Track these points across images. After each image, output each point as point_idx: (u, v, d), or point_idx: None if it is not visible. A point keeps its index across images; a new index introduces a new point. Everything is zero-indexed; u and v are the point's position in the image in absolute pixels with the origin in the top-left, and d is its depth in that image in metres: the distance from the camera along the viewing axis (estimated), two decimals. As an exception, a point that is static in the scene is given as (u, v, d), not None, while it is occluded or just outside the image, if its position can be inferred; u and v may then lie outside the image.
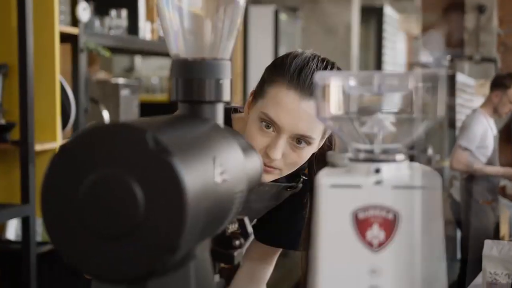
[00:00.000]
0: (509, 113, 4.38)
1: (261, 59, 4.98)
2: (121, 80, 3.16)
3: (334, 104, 0.73)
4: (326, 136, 1.30)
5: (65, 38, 2.65)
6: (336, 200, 0.70)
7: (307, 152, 1.23)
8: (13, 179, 2.44)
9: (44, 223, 0.65)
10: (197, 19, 0.83)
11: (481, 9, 9.41)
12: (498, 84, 4.26)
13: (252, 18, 4.86)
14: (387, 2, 7.37)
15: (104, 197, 0.63)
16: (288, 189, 1.37)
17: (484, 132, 4.18)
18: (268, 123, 1.21)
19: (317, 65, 1.23)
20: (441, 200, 0.71)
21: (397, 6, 8.88)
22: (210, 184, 0.68)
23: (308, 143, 1.22)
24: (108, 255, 0.62)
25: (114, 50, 3.18)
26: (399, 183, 0.69)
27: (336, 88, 0.73)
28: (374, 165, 0.70)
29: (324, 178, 0.70)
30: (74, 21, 2.68)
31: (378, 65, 7.51)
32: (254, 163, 0.88)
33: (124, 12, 3.05)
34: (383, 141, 0.73)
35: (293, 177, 1.35)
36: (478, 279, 2.03)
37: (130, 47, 3.17)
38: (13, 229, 2.58)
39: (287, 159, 1.23)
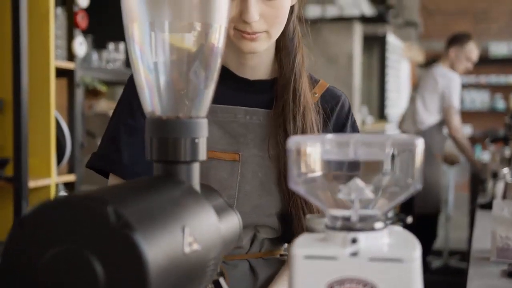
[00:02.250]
0: (464, 71, 4.52)
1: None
2: (119, 113, 3.13)
3: (309, 170, 0.70)
4: None
5: (62, 72, 2.64)
6: (310, 272, 0.67)
7: (283, 1, 1.15)
8: (6, 216, 2.41)
9: (0, 300, 0.62)
10: (172, 76, 0.81)
11: None
12: (455, 40, 4.47)
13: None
14: (390, 30, 7.38)
15: (64, 272, 0.60)
16: None
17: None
18: None
19: None
20: (420, 271, 0.68)
21: (400, 33, 8.91)
22: (178, 256, 0.65)
23: None
24: (64, 338, 0.59)
25: (112, 83, 3.17)
26: (376, 254, 0.66)
27: (310, 153, 0.70)
28: (350, 234, 0.67)
29: (299, 249, 0.67)
30: (71, 56, 2.67)
31: (381, 93, 7.50)
32: (231, 223, 0.85)
33: (121, 45, 3.04)
34: (361, 206, 0.70)
35: None
36: (485, 245, 1.86)
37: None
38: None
39: (267, 17, 1.14)
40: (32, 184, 2.41)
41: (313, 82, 1.28)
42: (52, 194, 2.53)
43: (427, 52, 9.99)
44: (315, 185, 0.70)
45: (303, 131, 1.18)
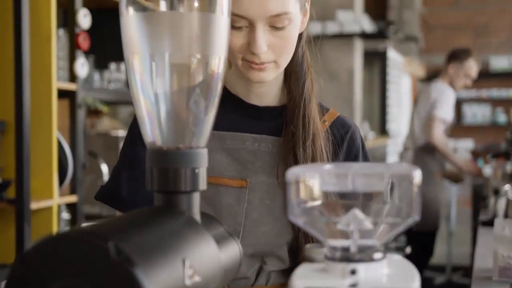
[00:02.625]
0: (463, 87, 4.51)
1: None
2: (121, 133, 3.15)
3: (307, 201, 0.71)
4: (307, 2, 1.21)
5: (63, 93, 2.65)
6: (310, 303, 0.67)
7: (291, 31, 1.13)
8: (9, 238, 2.41)
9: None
10: (172, 106, 0.82)
11: None
12: (454, 57, 4.44)
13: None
14: (390, 45, 7.40)
15: (66, 307, 0.60)
16: None
17: (453, 104, 4.38)
18: (238, 20, 1.11)
19: None
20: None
21: (401, 48, 8.94)
22: (178, 288, 0.66)
23: (288, 21, 1.12)
24: None
25: (114, 103, 3.19)
26: (376, 285, 0.66)
27: (309, 184, 0.70)
28: (350, 266, 0.68)
29: (298, 280, 0.68)
30: (73, 77, 2.68)
31: (383, 108, 7.51)
32: (231, 252, 0.85)
33: (123, 65, 3.06)
34: (360, 236, 0.71)
35: None
36: (487, 263, 1.83)
37: (129, 100, 3.17)
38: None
39: (275, 47, 1.13)
40: (34, 205, 2.41)
41: (323, 110, 1.27)
42: (54, 215, 2.53)
43: (427, 67, 10.02)
44: (314, 216, 0.71)
45: (313, 158, 1.17)
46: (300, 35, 1.22)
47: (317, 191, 0.71)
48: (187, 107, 0.82)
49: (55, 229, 2.52)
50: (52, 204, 2.52)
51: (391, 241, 0.77)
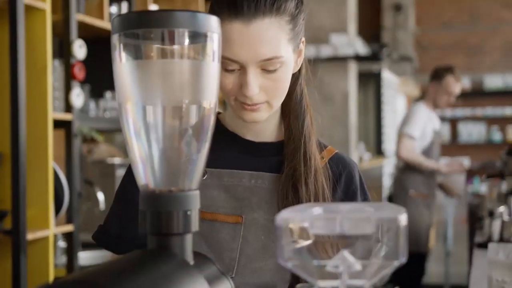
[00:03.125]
0: (446, 105, 4.45)
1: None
2: (117, 160, 3.17)
3: (297, 244, 0.73)
4: (302, 43, 1.20)
5: (59, 123, 2.67)
6: None
7: (284, 72, 1.14)
8: (5, 269, 2.42)
9: None
10: (165, 150, 0.84)
11: (398, 8, 9.57)
12: (434, 76, 4.42)
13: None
14: (385, 66, 7.46)
15: None
16: None
17: (425, 123, 4.29)
18: (229, 64, 1.11)
19: None
20: None
21: (395, 68, 9.00)
22: (171, 333, 0.67)
23: (280, 64, 1.12)
24: None
25: (110, 131, 3.21)
26: (364, 327, 0.68)
27: (298, 228, 0.72)
28: (339, 307, 0.69)
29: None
30: (68, 107, 2.71)
31: (378, 129, 7.54)
32: (224, 292, 0.87)
33: (119, 94, 3.09)
34: (349, 277, 0.72)
35: None
36: (483, 286, 1.85)
37: (125, 128, 3.18)
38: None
39: (267, 89, 1.13)
40: (30, 236, 2.42)
41: (322, 147, 1.27)
42: (51, 245, 2.54)
43: (422, 86, 10.08)
44: (303, 258, 0.73)
45: (316, 195, 1.17)
46: (298, 74, 1.23)
47: (306, 234, 0.72)
48: (179, 151, 0.84)
49: (51, 260, 2.53)
50: (48, 234, 2.53)
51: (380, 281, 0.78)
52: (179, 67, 0.81)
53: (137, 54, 0.82)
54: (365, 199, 1.27)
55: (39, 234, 2.47)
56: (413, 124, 4.27)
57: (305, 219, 0.72)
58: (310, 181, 1.19)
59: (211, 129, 0.86)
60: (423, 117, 4.31)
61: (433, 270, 6.66)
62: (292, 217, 0.72)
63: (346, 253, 0.72)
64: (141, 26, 0.80)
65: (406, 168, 4.32)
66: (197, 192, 0.84)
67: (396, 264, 0.71)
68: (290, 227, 0.72)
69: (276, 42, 1.10)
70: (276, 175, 1.22)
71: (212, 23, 0.82)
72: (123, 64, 0.82)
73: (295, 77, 1.22)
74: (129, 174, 1.26)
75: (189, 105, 0.83)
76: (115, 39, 0.81)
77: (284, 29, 1.12)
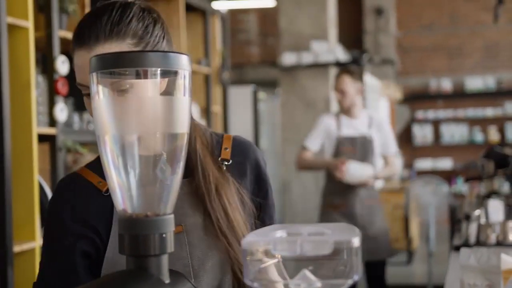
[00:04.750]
0: (343, 103, 4.09)
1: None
2: (101, 171, 3.22)
3: (261, 265, 0.80)
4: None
5: (44, 138, 2.72)
6: None
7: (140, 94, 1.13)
8: (-8, 282, 2.47)
9: None
10: (141, 178, 0.91)
11: (379, 12, 9.69)
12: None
13: (232, 98, 4.99)
14: (367, 69, 7.55)
15: None
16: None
17: (325, 132, 4.09)
18: (83, 89, 1.20)
19: (102, 9, 1.20)
20: None
21: (377, 71, 9.11)
22: None
23: (129, 85, 1.10)
24: None
25: (94, 143, 3.27)
26: None
27: (262, 251, 0.79)
28: (300, 322, 0.77)
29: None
30: (52, 121, 2.76)
31: (361, 132, 7.62)
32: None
33: (102, 106, 3.15)
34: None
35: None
36: None
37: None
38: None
39: None
40: (16, 248, 2.47)
41: (219, 139, 1.33)
42: (37, 257, 2.59)
43: (404, 89, 10.21)
44: (267, 278, 0.80)
45: (225, 209, 1.23)
46: None
47: (269, 256, 0.80)
48: (154, 178, 0.91)
49: (37, 271, 2.58)
50: (34, 246, 2.58)
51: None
52: (152, 102, 0.88)
53: (113, 91, 0.89)
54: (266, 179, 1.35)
55: (25, 246, 2.53)
56: (310, 135, 4.10)
57: (268, 242, 0.79)
58: (213, 198, 1.24)
59: (184, 156, 0.93)
60: (321, 129, 4.10)
61: (416, 270, 6.76)
62: (257, 241, 0.79)
63: (307, 272, 0.80)
64: (116, 66, 0.87)
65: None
66: (172, 216, 0.91)
67: (350, 281, 0.78)
68: (254, 250, 0.79)
69: None
70: (189, 179, 1.26)
71: (183, 61, 0.89)
72: (100, 100, 0.88)
73: None
74: (56, 221, 1.25)
75: (163, 136, 0.90)
76: (93, 77, 0.88)
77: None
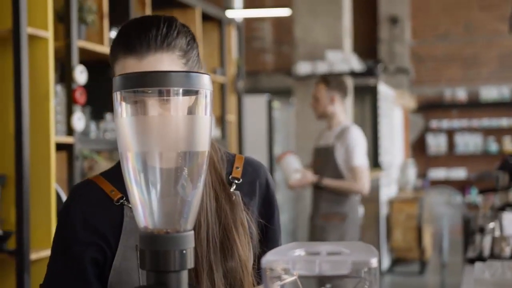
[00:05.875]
0: (315, 110, 4.07)
1: (255, 147, 5.10)
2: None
3: (281, 282, 0.82)
4: None
5: (61, 146, 2.76)
6: None
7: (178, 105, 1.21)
8: (9, 289, 2.50)
9: None
10: (162, 196, 0.92)
11: (394, 21, 9.66)
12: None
13: (247, 106, 5.01)
14: (381, 79, 7.55)
15: None
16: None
17: None
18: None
19: (149, 20, 1.22)
20: None
21: (392, 80, 9.09)
22: None
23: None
24: None
25: (110, 150, 3.30)
26: None
27: (282, 269, 0.81)
28: None
29: None
30: (70, 130, 2.79)
31: (375, 141, 7.62)
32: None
33: (119, 115, 3.18)
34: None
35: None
36: None
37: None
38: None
39: None
40: (34, 256, 2.50)
41: (230, 158, 1.35)
42: (54, 264, 2.62)
43: (419, 98, 10.18)
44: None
45: (225, 227, 1.25)
46: None
47: (288, 274, 0.81)
48: (175, 195, 0.92)
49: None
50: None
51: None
52: (174, 121, 0.90)
53: (136, 109, 0.91)
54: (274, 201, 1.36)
55: (42, 254, 2.56)
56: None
57: (287, 261, 0.81)
58: (211, 215, 1.26)
59: (204, 173, 0.94)
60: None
61: (429, 280, 6.73)
62: (276, 260, 0.81)
63: (325, 292, 0.81)
64: (140, 85, 0.89)
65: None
66: (192, 233, 0.93)
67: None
68: (274, 269, 0.81)
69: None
70: None
71: (204, 81, 0.91)
72: (123, 119, 0.90)
73: None
74: (67, 226, 1.27)
75: (184, 154, 0.92)
76: (116, 96, 0.90)
77: (176, 63, 1.22)
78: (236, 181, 1.31)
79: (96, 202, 1.28)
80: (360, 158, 3.94)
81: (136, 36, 1.19)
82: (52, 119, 2.60)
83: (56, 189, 2.66)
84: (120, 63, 1.20)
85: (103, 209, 1.27)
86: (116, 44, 1.23)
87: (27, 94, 2.49)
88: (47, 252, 2.59)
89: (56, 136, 2.66)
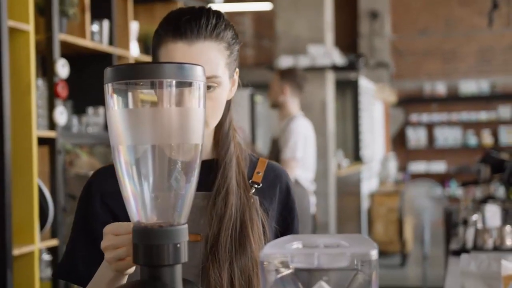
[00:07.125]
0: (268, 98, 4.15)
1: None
2: (99, 174, 3.21)
3: (279, 275, 0.81)
4: (236, 73, 1.29)
5: (43, 140, 2.72)
6: None
7: (220, 93, 1.22)
8: (-9, 285, 2.46)
9: None
10: (155, 189, 0.91)
11: (374, 15, 9.71)
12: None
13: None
14: (362, 73, 7.57)
15: None
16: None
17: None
18: None
19: (199, 9, 1.24)
20: None
21: (372, 75, 9.12)
22: None
23: (217, 84, 1.20)
24: None
25: (93, 144, 3.27)
26: None
27: (280, 262, 0.80)
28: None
29: None
30: (52, 124, 2.76)
31: (356, 135, 7.65)
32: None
33: (101, 110, 3.15)
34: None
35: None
36: None
37: (107, 142, 3.24)
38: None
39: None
40: (16, 251, 2.47)
41: (254, 161, 1.35)
42: (36, 260, 2.59)
43: (399, 92, 10.23)
44: (284, 288, 0.80)
45: (222, 215, 1.23)
46: (229, 105, 1.30)
47: (287, 267, 0.80)
48: (168, 189, 0.91)
49: (37, 274, 2.58)
50: (33, 249, 2.58)
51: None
52: (167, 113, 0.89)
53: (128, 102, 0.89)
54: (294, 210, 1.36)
55: (24, 249, 2.53)
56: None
57: (285, 254, 0.80)
58: (218, 200, 1.25)
59: (198, 167, 0.93)
60: None
61: (411, 273, 6.78)
62: (274, 253, 0.80)
63: (323, 283, 0.80)
64: (132, 77, 0.87)
65: None
66: (186, 226, 0.91)
67: (368, 293, 0.79)
68: (272, 262, 0.79)
69: (215, 63, 1.21)
70: (208, 193, 1.26)
71: (197, 72, 0.89)
72: (115, 111, 0.89)
73: (228, 106, 1.29)
74: (88, 202, 1.27)
75: (177, 147, 0.90)
76: (108, 88, 0.88)
77: (222, 53, 1.23)
78: (256, 186, 1.31)
79: (116, 185, 1.27)
80: (291, 151, 3.91)
81: (187, 21, 1.20)
82: (33, 113, 2.57)
83: (39, 183, 2.63)
84: (167, 47, 1.20)
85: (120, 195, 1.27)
86: (164, 28, 1.22)
87: (8, 88, 2.45)
88: (29, 248, 2.56)
89: (38, 131, 2.63)
